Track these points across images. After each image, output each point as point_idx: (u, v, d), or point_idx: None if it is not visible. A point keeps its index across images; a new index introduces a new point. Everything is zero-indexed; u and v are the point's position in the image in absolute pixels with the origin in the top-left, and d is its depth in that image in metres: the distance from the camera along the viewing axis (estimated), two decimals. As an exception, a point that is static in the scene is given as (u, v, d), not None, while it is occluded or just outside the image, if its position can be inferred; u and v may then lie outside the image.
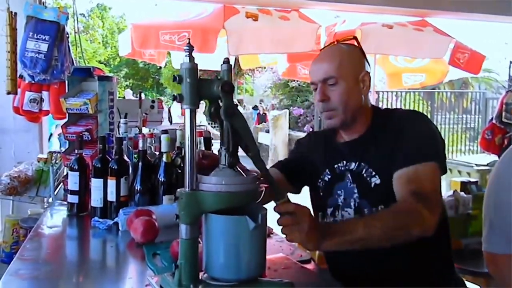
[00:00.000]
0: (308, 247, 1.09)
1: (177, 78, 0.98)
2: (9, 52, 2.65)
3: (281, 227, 1.05)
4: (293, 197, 1.43)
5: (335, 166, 1.39)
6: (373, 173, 1.30)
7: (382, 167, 1.29)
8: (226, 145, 1.03)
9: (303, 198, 1.56)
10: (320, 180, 1.43)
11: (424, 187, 1.20)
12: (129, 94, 9.78)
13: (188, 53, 0.99)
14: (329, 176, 1.41)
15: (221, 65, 1.03)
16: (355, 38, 1.44)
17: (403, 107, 9.34)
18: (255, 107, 15.28)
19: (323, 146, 1.45)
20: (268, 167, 1.55)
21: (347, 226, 1.14)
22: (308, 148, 1.51)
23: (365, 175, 1.32)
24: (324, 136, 1.49)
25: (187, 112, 0.99)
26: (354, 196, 1.34)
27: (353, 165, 1.35)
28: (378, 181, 1.29)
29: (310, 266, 1.32)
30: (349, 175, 1.35)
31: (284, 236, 1.06)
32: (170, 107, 4.96)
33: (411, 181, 1.21)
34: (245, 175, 1.04)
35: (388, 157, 1.26)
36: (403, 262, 1.26)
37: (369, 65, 1.40)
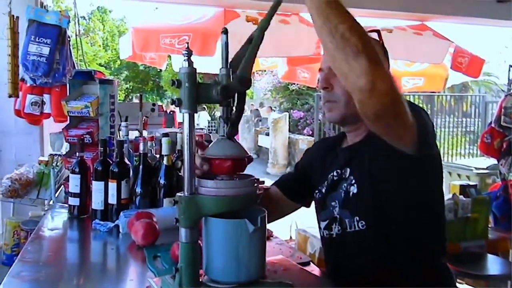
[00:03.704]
0: None
1: (176, 82, 0.99)
2: (10, 55, 2.67)
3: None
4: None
5: (329, 175, 1.32)
6: (353, 180, 1.23)
7: (362, 176, 1.21)
8: (225, 115, 1.02)
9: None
10: (317, 192, 1.37)
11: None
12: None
13: (187, 57, 0.99)
14: (325, 188, 1.34)
15: (220, 69, 1.04)
16: (377, 32, 1.30)
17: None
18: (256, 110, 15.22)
19: (326, 155, 1.38)
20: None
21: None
22: (313, 158, 1.45)
23: (346, 184, 1.25)
24: (331, 142, 1.42)
25: (186, 116, 1.00)
26: (343, 202, 1.27)
27: (348, 172, 1.26)
28: (355, 190, 1.22)
29: (310, 268, 1.33)
30: (344, 185, 1.27)
31: None
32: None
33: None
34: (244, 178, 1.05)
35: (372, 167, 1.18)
36: (400, 263, 1.22)
37: (388, 64, 1.28)
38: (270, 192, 1.46)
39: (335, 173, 1.31)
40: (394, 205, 1.19)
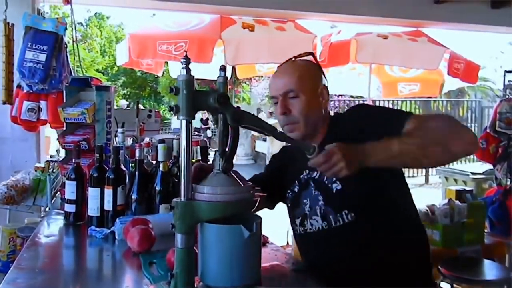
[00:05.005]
0: (355, 172, 1.14)
1: (174, 89, 1.00)
2: (4, 62, 2.68)
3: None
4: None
5: (301, 176, 1.43)
6: (333, 178, 1.31)
7: None
8: (221, 150, 1.05)
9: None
10: (289, 191, 1.47)
11: (433, 117, 1.29)
12: (125, 104, 9.83)
13: (185, 65, 1.01)
14: (297, 187, 1.44)
15: (217, 77, 1.06)
16: (311, 54, 1.48)
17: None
18: None
19: (294, 159, 1.48)
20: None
21: (382, 145, 1.17)
22: (282, 163, 1.56)
23: (326, 181, 1.35)
24: (296, 148, 1.49)
25: (183, 123, 1.01)
26: (319, 203, 1.36)
27: (315, 173, 1.38)
28: (339, 187, 1.32)
29: (305, 274, 1.33)
30: (312, 183, 1.39)
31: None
32: None
33: (419, 124, 1.23)
34: (240, 184, 1.05)
35: None
36: (381, 261, 1.29)
37: (326, 79, 1.44)
38: None
39: (304, 174, 1.42)
40: (379, 193, 1.29)
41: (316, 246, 1.40)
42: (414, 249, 1.36)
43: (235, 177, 1.06)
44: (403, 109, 9.30)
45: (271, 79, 1.43)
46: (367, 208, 1.30)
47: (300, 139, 1.37)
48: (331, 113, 1.47)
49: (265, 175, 1.61)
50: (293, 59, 1.45)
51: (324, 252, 1.37)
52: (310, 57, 1.46)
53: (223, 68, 1.08)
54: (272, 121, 11.08)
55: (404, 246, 1.32)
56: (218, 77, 1.06)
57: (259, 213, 1.23)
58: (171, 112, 1.01)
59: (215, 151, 1.06)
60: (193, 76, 1.01)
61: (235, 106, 1.06)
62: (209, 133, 13.51)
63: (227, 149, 1.05)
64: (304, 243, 1.46)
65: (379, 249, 1.29)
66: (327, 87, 1.43)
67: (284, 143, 1.28)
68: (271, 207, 1.56)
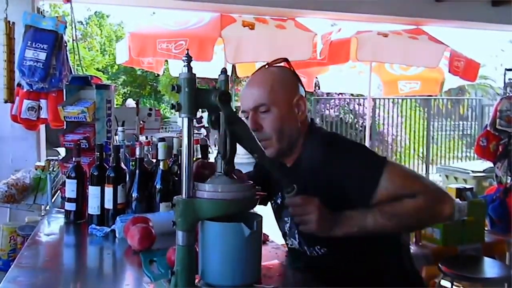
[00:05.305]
0: (320, 234, 1.13)
1: (176, 87, 1.00)
2: (6, 61, 2.68)
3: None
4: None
5: (284, 189, 1.33)
6: None
7: None
8: (222, 152, 1.04)
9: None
10: (273, 202, 1.43)
11: (410, 185, 1.17)
12: (131, 103, 9.85)
13: (186, 63, 1.01)
14: (280, 200, 1.39)
15: (219, 75, 1.06)
16: (286, 60, 1.35)
17: (399, 114, 9.39)
18: None
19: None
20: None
21: (357, 218, 1.15)
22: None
23: None
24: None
25: (185, 120, 1.01)
26: (296, 229, 1.32)
27: None
28: None
29: (305, 273, 1.33)
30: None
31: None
32: None
33: (394, 192, 1.16)
34: (241, 182, 1.05)
35: (324, 195, 1.16)
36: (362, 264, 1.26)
37: (303, 88, 1.33)
38: None
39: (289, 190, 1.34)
40: None
41: (299, 260, 1.37)
42: (396, 271, 1.30)
43: (236, 176, 1.06)
44: (404, 107, 9.30)
45: (242, 90, 1.33)
46: (340, 242, 1.21)
47: (274, 155, 1.28)
48: (309, 120, 1.36)
49: (255, 172, 1.54)
50: (266, 66, 1.34)
51: (306, 268, 1.34)
52: (284, 64, 1.35)
53: (224, 71, 1.07)
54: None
55: (385, 270, 1.27)
56: (219, 75, 1.06)
57: (260, 211, 1.23)
58: (173, 109, 1.01)
59: (217, 153, 1.06)
60: (195, 74, 1.01)
61: (235, 110, 1.04)
62: (203, 131, 13.46)
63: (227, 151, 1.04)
64: (290, 252, 1.44)
65: (359, 277, 1.25)
66: (303, 96, 1.31)
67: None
68: (264, 203, 1.49)
